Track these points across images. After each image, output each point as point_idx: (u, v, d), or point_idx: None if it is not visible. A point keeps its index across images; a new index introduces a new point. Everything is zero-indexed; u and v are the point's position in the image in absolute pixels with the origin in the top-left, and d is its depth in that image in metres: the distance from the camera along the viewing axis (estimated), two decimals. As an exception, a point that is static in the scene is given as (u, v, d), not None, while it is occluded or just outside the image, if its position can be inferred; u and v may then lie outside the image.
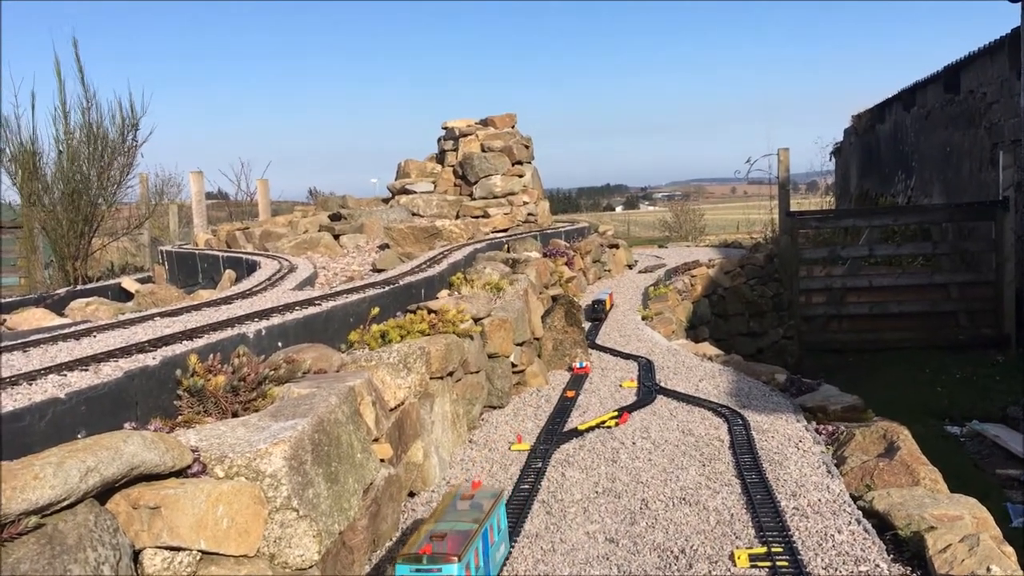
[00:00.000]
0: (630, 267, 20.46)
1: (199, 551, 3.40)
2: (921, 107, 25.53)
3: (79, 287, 14.23)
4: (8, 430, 3.56)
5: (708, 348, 11.69)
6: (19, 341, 5.45)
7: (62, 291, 12.59)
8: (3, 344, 5.42)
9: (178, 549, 3.35)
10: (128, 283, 13.50)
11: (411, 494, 5.82)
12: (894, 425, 6.62)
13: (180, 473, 3.57)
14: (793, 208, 23.17)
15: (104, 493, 3.28)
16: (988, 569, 3.90)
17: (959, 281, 19.76)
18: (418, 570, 3.61)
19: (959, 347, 18.62)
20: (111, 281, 15.15)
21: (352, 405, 4.73)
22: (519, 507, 5.51)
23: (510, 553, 4.78)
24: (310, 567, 3.77)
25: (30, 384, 4.11)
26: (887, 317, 19.96)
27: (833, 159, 37.79)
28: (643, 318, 13.45)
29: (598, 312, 12.97)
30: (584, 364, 9.70)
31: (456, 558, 3.64)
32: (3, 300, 11.68)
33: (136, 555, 3.30)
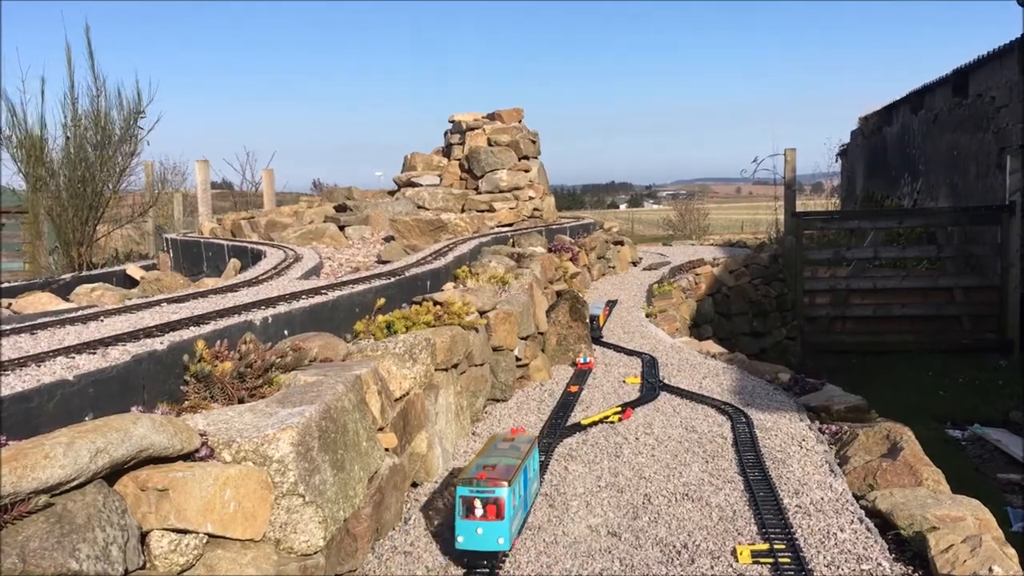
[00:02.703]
0: (634, 264, 20.46)
1: (206, 534, 3.41)
2: (929, 110, 25.47)
3: (84, 273, 14.25)
4: (16, 411, 3.58)
5: (712, 346, 11.70)
6: (27, 324, 5.47)
7: (67, 276, 12.62)
8: (12, 327, 5.43)
9: (185, 532, 3.36)
10: (133, 270, 13.52)
11: (414, 484, 5.84)
12: (898, 426, 6.62)
13: (188, 457, 3.58)
14: (798, 209, 23.15)
15: (113, 474, 3.29)
16: (990, 569, 3.90)
17: (963, 285, 19.73)
18: (474, 491, 4.40)
19: (962, 351, 18.60)
20: (116, 268, 15.18)
21: (358, 394, 4.74)
22: (522, 499, 5.52)
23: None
24: (315, 553, 3.78)
25: (39, 366, 4.13)
26: (891, 319, 19.94)
27: (839, 160, 37.73)
28: (647, 315, 13.45)
29: (592, 329, 11.28)
30: (588, 359, 9.71)
31: (506, 483, 4.43)
32: (8, 284, 11.70)
33: (144, 537, 3.32)
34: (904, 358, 18.30)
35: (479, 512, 4.40)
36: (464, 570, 4.53)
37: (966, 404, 14.94)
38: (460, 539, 4.44)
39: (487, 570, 4.49)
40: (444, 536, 5.00)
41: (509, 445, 5.12)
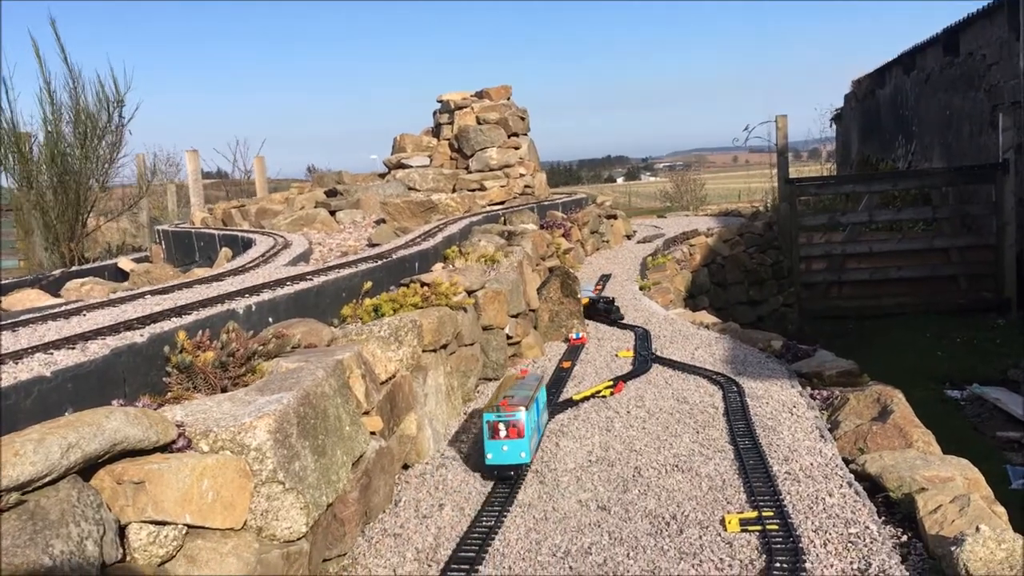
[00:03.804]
0: (628, 237, 20.41)
1: (185, 525, 3.40)
2: (921, 71, 25.31)
3: (75, 268, 14.22)
4: (-8, 409, 3.56)
5: (705, 316, 11.68)
6: (8, 321, 5.44)
7: (57, 272, 12.57)
8: (-7, 325, 5.41)
9: (164, 523, 3.35)
10: (124, 263, 13.47)
11: (405, 466, 5.84)
12: (888, 389, 6.61)
13: (165, 448, 3.56)
14: (793, 175, 23.06)
15: (87, 469, 3.27)
16: (977, 528, 3.89)
17: (959, 245, 19.69)
18: (498, 416, 5.38)
19: (960, 311, 18.61)
20: (108, 262, 15.12)
21: (340, 378, 4.72)
22: (513, 477, 5.52)
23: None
24: (298, 539, 3.78)
25: (16, 363, 4.10)
26: (887, 283, 19.92)
27: (834, 125, 37.57)
28: (641, 288, 13.43)
29: (612, 312, 10.84)
30: (580, 335, 9.70)
31: (524, 408, 5.41)
32: (-1, 282, 11.67)
33: (122, 530, 3.31)
34: (902, 321, 18.30)
35: (503, 433, 5.37)
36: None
37: (964, 364, 14.95)
38: (489, 456, 5.39)
39: (513, 478, 5.41)
40: (434, 517, 5.01)
41: (521, 382, 6.19)
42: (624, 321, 10.59)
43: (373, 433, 5.06)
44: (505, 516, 4.95)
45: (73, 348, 4.43)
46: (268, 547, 3.62)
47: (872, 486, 4.98)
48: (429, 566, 4.43)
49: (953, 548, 3.77)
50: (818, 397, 6.94)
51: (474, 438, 6.43)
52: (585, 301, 10.77)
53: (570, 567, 4.31)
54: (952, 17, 23.36)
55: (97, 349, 4.38)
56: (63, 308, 6.05)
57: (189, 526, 3.43)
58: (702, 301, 17.17)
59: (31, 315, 5.76)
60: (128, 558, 3.27)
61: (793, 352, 8.60)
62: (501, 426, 5.36)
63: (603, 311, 10.81)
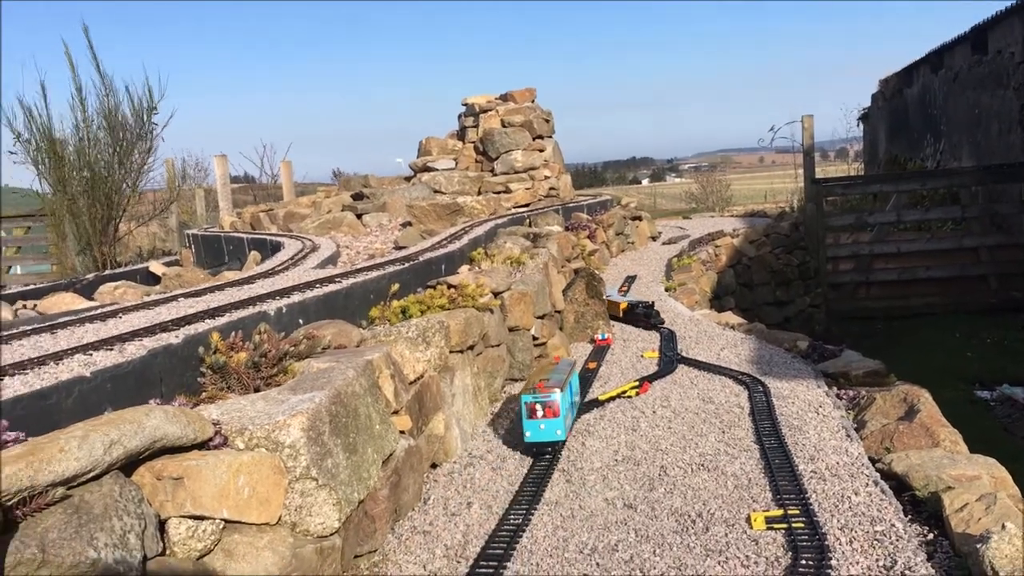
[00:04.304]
0: (653, 239, 20.41)
1: (222, 520, 3.50)
2: (948, 69, 25.08)
3: (107, 272, 14.46)
4: (36, 407, 3.69)
5: (731, 317, 11.67)
6: (47, 324, 5.60)
7: (91, 276, 12.82)
8: (33, 327, 5.56)
9: (202, 518, 3.45)
10: (156, 267, 13.70)
11: (433, 465, 5.92)
12: (915, 388, 6.60)
13: (202, 445, 3.67)
14: (820, 175, 22.93)
15: (129, 465, 3.38)
16: (1003, 526, 3.90)
17: (989, 244, 19.47)
18: (535, 398, 5.78)
19: (989, 311, 18.39)
20: (139, 265, 15.38)
21: (370, 378, 4.81)
22: (540, 476, 5.59)
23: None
24: (331, 534, 3.87)
25: (57, 364, 4.24)
26: (916, 283, 19.74)
27: (861, 125, 37.29)
28: (666, 289, 13.45)
29: (651, 316, 10.47)
30: (606, 336, 9.75)
31: (559, 389, 5.85)
32: (34, 286, 11.91)
33: (162, 524, 3.41)
34: (930, 321, 18.13)
35: (540, 413, 5.79)
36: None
37: (994, 364, 14.79)
38: (527, 434, 5.84)
39: (551, 453, 5.88)
40: (463, 515, 5.09)
41: (556, 367, 6.72)
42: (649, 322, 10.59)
43: (402, 432, 5.14)
44: (533, 514, 5.02)
45: (111, 349, 4.56)
46: (302, 542, 3.71)
47: (898, 485, 4.99)
48: (458, 563, 4.50)
49: (979, 546, 3.79)
50: (844, 397, 6.95)
51: (501, 438, 6.51)
52: (624, 305, 10.74)
53: (597, 564, 4.37)
54: (980, 15, 23.14)
55: (134, 350, 4.51)
56: (100, 311, 6.20)
57: (226, 521, 3.53)
58: (728, 302, 17.14)
59: (69, 318, 5.92)
60: (168, 552, 3.38)
61: (819, 352, 8.60)
62: (538, 407, 5.79)
63: (642, 316, 10.57)
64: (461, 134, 20.16)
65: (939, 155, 25.67)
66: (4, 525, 2.77)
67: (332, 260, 9.64)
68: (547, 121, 19.37)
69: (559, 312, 9.88)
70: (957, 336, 17.08)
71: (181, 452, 3.59)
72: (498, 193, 17.50)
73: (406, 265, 8.21)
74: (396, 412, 5.16)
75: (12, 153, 17.44)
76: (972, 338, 16.83)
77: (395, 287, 7.33)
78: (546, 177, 18.55)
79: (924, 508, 4.66)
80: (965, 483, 4.76)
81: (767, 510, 4.76)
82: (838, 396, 6.98)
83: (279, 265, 8.89)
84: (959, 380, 13.76)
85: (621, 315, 10.80)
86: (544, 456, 5.85)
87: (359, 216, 14.72)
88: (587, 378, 8.11)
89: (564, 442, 6.05)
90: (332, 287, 6.82)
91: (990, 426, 11.61)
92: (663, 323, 10.46)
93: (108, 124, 17.13)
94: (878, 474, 5.15)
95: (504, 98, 19.71)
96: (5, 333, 5.33)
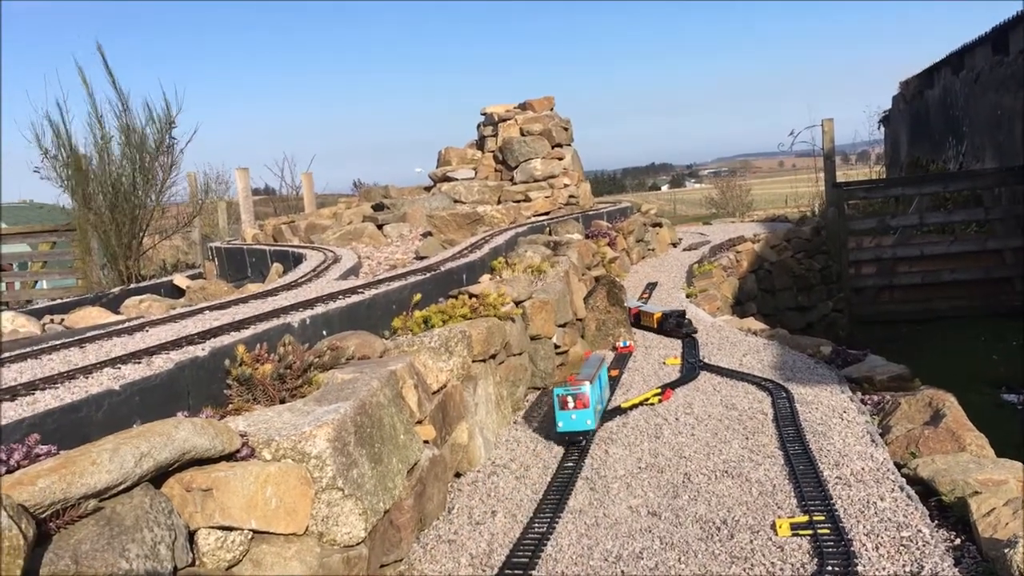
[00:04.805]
0: (674, 245, 20.36)
1: (250, 530, 3.55)
2: (970, 70, 24.90)
3: (132, 285, 14.63)
4: (66, 421, 3.75)
5: (753, 323, 11.64)
6: (76, 338, 5.68)
7: (116, 290, 12.97)
8: (62, 341, 5.65)
9: (230, 529, 3.50)
10: (180, 280, 13.84)
11: (457, 475, 5.95)
12: (940, 393, 6.56)
13: (230, 457, 3.71)
14: (841, 179, 22.83)
15: (158, 477, 3.43)
16: (1031, 531, 3.88)
17: (1014, 246, 19.31)
18: (567, 391, 6.22)
19: (1015, 313, 18.22)
20: (164, 279, 15.54)
21: (394, 388, 4.85)
22: (563, 484, 5.61)
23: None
24: (358, 544, 3.90)
25: (86, 377, 4.31)
26: (940, 286, 19.61)
27: (881, 128, 37.08)
28: (687, 296, 13.42)
29: (683, 326, 10.16)
30: (628, 343, 9.74)
31: (588, 382, 6.28)
32: (61, 300, 12.07)
33: (191, 535, 3.46)
34: (955, 325, 18.00)
35: (571, 404, 6.20)
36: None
37: (1021, 368, 14.65)
38: (560, 424, 6.24)
39: (582, 441, 6.30)
40: (487, 524, 5.11)
41: (586, 362, 7.40)
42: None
43: (426, 442, 5.17)
44: (557, 522, 5.03)
45: (139, 363, 4.63)
46: (329, 551, 3.74)
47: (924, 490, 4.96)
48: (483, 571, 4.52)
49: (1006, 550, 3.77)
50: (869, 402, 6.91)
51: (525, 446, 6.53)
52: (658, 316, 10.43)
53: (622, 571, 4.38)
54: (1000, 16, 22.97)
55: (162, 363, 4.57)
56: (127, 324, 6.29)
57: (254, 531, 3.57)
58: (750, 308, 17.08)
59: (96, 332, 6.00)
60: (197, 563, 3.42)
61: (843, 357, 8.55)
62: (569, 399, 6.20)
63: (675, 326, 10.19)
64: (480, 143, 20.21)
65: (961, 157, 25.47)
66: (37, 538, 2.82)
67: (354, 271, 9.71)
68: (566, 129, 19.39)
69: (580, 320, 9.89)
70: (983, 340, 16.93)
71: (209, 464, 3.64)
72: (518, 202, 17.52)
73: (427, 275, 8.25)
74: (420, 422, 5.19)
75: (37, 171, 17.72)
76: (998, 341, 16.68)
77: (417, 297, 7.37)
78: (565, 185, 18.56)
79: (951, 513, 4.64)
80: (992, 487, 4.72)
81: (792, 516, 4.75)
82: (862, 401, 6.95)
83: (302, 277, 8.96)
84: (985, 384, 13.65)
85: (656, 326, 10.46)
86: (571, 455, 6.08)
87: (380, 227, 14.81)
88: (610, 386, 8.11)
89: (594, 431, 6.44)
90: (354, 298, 6.87)
91: (1018, 430, 11.49)
92: (696, 331, 10.09)
93: (127, 140, 17.36)
94: (904, 479, 5.12)
95: (523, 107, 19.75)
96: (35, 348, 5.41)
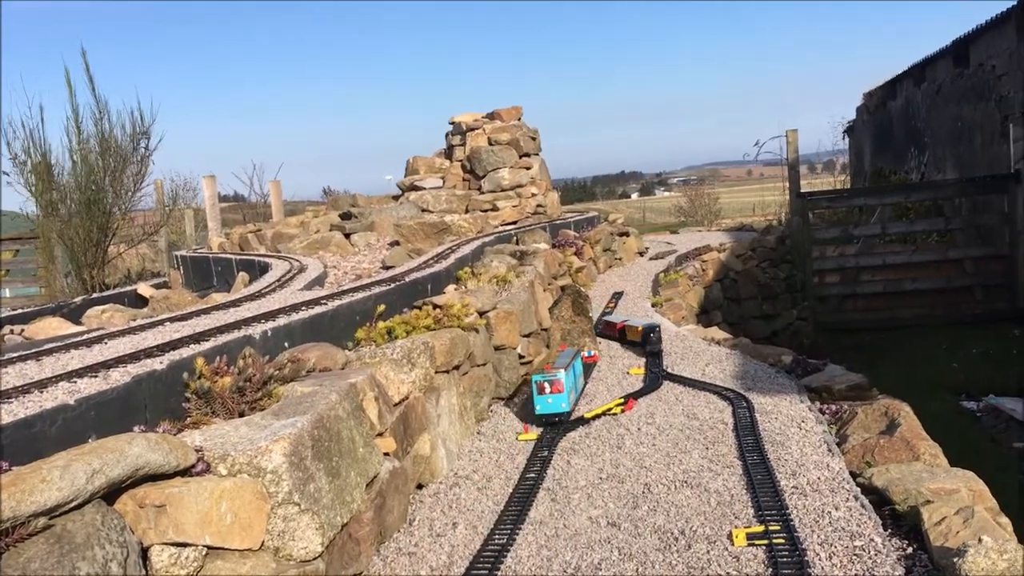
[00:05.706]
0: (641, 254, 20.50)
1: (205, 547, 3.53)
2: (931, 82, 25.31)
3: (96, 295, 14.46)
4: (20, 437, 3.71)
5: (716, 332, 11.74)
6: (32, 350, 5.62)
7: (79, 300, 12.81)
8: (18, 354, 5.58)
9: (184, 545, 3.48)
10: (144, 289, 13.70)
11: (420, 486, 5.95)
12: (896, 402, 6.67)
13: (185, 472, 3.70)
14: (806, 188, 23.09)
15: (111, 493, 3.41)
16: (980, 540, 3.96)
17: (974, 256, 19.61)
18: (543, 377, 7.02)
19: (975, 322, 18.52)
20: (128, 288, 15.37)
21: (353, 401, 4.85)
22: (525, 495, 5.63)
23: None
24: (314, 559, 3.90)
25: (41, 392, 4.26)
26: (902, 295, 19.85)
27: (846, 138, 37.55)
28: (653, 304, 13.51)
29: (650, 343, 9.86)
30: (592, 353, 9.78)
31: (563, 370, 7.10)
32: (22, 310, 11.91)
33: (145, 552, 3.44)
34: (917, 333, 18.22)
35: (547, 390, 6.98)
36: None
37: (981, 375, 14.86)
38: (537, 408, 7.04)
39: (558, 421, 7.05)
40: (448, 536, 5.12)
41: (561, 354, 8.22)
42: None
43: (387, 454, 5.18)
44: (517, 534, 5.06)
45: (95, 376, 4.59)
46: (285, 567, 3.74)
47: (879, 499, 5.04)
48: (443, 584, 4.53)
49: (956, 559, 3.84)
50: (827, 411, 7.01)
51: (488, 457, 6.55)
52: (640, 329, 10.16)
53: (580, 583, 4.40)
54: (962, 27, 23.39)
55: (119, 377, 4.54)
56: (85, 337, 6.23)
57: (209, 547, 3.56)
58: (715, 316, 17.22)
59: (55, 344, 5.94)
60: (151, 579, 3.40)
61: (803, 367, 8.66)
62: (546, 384, 6.98)
63: (653, 339, 9.89)
64: (448, 153, 20.24)
65: (923, 167, 25.87)
66: (-14, 556, 2.80)
67: (319, 281, 9.68)
68: (533, 139, 19.47)
69: (546, 330, 9.93)
70: (943, 347, 17.18)
71: (164, 479, 3.62)
72: (485, 211, 17.56)
73: (392, 286, 8.26)
74: (380, 434, 5.19)
75: (6, 174, 17.48)
76: (958, 349, 16.93)
77: (381, 308, 7.37)
78: (533, 195, 18.63)
79: (904, 522, 4.72)
80: (944, 496, 4.82)
81: (749, 526, 4.81)
82: (821, 411, 7.04)
83: (266, 287, 8.93)
84: (946, 391, 13.84)
85: (639, 339, 10.16)
86: (533, 466, 6.19)
87: (347, 236, 14.77)
88: (585, 374, 8.28)
89: (569, 414, 7.20)
90: (318, 309, 6.86)
91: (977, 437, 11.68)
92: (661, 351, 9.79)
93: (102, 148, 17.18)
94: (859, 488, 5.20)
95: (491, 116, 19.81)
96: (-10, 361, 5.34)
